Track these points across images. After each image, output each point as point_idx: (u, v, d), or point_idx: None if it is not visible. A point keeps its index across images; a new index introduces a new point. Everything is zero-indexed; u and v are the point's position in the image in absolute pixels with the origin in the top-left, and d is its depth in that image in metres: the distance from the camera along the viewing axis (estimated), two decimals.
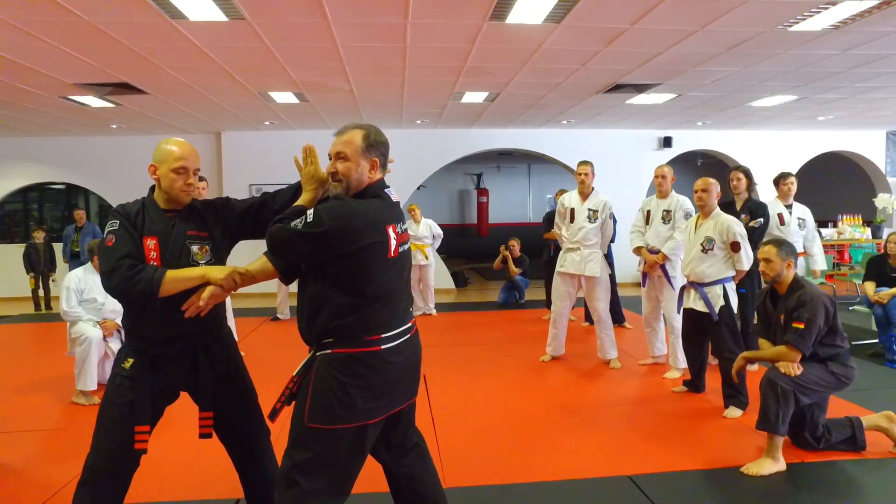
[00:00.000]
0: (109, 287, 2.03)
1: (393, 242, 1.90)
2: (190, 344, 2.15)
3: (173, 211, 2.16)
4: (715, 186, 4.11)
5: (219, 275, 2.03)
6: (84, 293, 4.36)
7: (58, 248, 9.01)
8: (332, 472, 1.87)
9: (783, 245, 3.21)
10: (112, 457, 2.07)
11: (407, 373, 2.00)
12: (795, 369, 3.05)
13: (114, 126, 8.83)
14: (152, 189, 2.20)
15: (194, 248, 2.13)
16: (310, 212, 1.83)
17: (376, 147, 1.95)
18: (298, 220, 1.83)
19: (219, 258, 2.19)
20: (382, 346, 1.88)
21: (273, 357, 5.38)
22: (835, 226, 10.11)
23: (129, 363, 2.11)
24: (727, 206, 4.79)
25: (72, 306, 4.34)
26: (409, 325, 2.02)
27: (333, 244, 1.80)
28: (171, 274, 2.01)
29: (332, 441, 1.85)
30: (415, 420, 2.17)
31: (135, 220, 2.10)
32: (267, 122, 8.87)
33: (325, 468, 1.86)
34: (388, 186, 2.02)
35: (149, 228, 2.10)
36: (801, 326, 3.04)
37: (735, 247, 3.96)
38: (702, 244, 4.04)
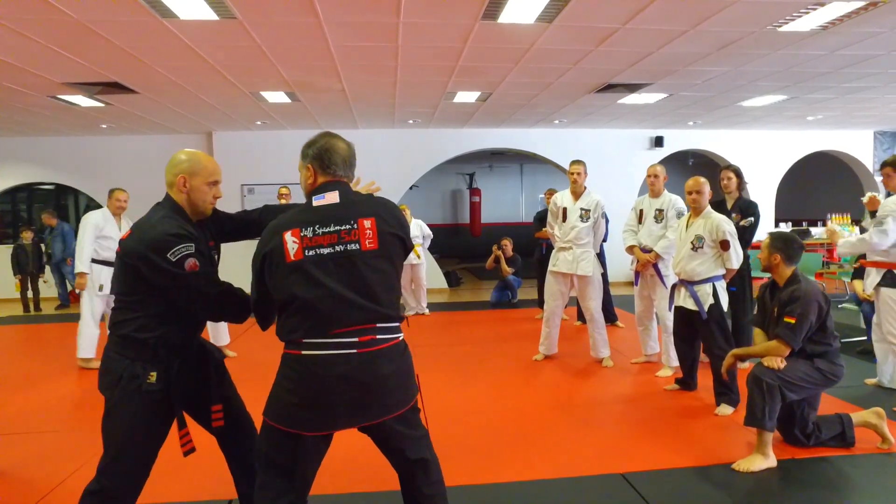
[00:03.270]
0: (228, 310, 2.08)
1: (290, 246, 1.82)
2: (199, 345, 2.19)
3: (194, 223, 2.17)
4: (707, 186, 4.14)
5: None
6: (103, 230, 5.21)
7: None
8: (281, 470, 1.87)
9: (777, 238, 3.30)
10: (133, 477, 2.05)
11: (348, 393, 1.82)
12: (779, 363, 3.09)
13: (104, 126, 8.76)
14: (170, 200, 2.10)
15: (215, 256, 2.19)
16: None
17: (305, 154, 1.98)
18: None
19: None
20: (303, 352, 1.83)
21: (265, 357, 5.35)
22: (824, 224, 10.19)
23: (153, 377, 2.01)
24: (718, 204, 4.82)
25: (92, 242, 5.14)
26: (357, 340, 1.83)
27: (256, 268, 1.91)
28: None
29: (276, 438, 1.87)
30: (413, 436, 2.01)
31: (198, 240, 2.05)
32: (259, 122, 8.82)
33: (272, 463, 1.88)
34: (333, 189, 1.93)
35: (204, 245, 2.10)
36: (793, 322, 3.08)
37: (724, 245, 4.00)
38: (692, 242, 4.06)
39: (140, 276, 1.97)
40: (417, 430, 2.02)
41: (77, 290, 5.33)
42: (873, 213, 4.31)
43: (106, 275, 5.18)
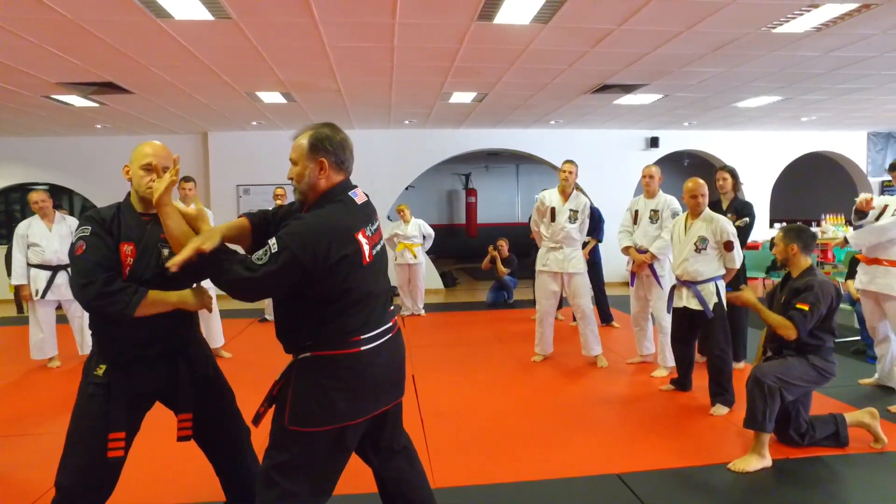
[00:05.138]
0: (81, 300, 1.95)
1: (366, 248, 1.85)
2: (169, 344, 2.11)
3: (148, 214, 2.13)
4: (706, 188, 4.16)
5: (193, 300, 2.06)
6: (29, 238, 5.23)
7: None
8: (312, 473, 1.86)
9: (789, 230, 3.34)
10: (86, 474, 1.99)
11: (390, 374, 1.97)
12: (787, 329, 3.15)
13: (98, 126, 8.73)
14: (129, 194, 2.17)
15: (165, 251, 2.09)
16: (271, 242, 1.73)
17: (320, 147, 1.85)
18: (261, 254, 1.72)
19: None
20: (362, 348, 1.86)
21: (261, 359, 5.35)
22: (818, 225, 10.25)
23: (101, 370, 2.01)
24: (714, 205, 4.83)
25: (22, 252, 5.19)
26: (390, 324, 1.98)
27: (309, 268, 1.73)
28: (150, 296, 1.97)
29: (311, 443, 1.84)
30: (402, 422, 2.15)
31: (110, 227, 2.03)
32: (254, 123, 8.81)
33: (304, 469, 1.85)
34: (355, 186, 1.97)
35: (125, 234, 2.05)
36: (806, 308, 3.11)
37: (728, 246, 4.04)
38: (695, 244, 4.08)
39: None
40: (401, 419, 2.17)
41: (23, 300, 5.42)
42: (860, 213, 4.31)
43: (42, 279, 5.26)
